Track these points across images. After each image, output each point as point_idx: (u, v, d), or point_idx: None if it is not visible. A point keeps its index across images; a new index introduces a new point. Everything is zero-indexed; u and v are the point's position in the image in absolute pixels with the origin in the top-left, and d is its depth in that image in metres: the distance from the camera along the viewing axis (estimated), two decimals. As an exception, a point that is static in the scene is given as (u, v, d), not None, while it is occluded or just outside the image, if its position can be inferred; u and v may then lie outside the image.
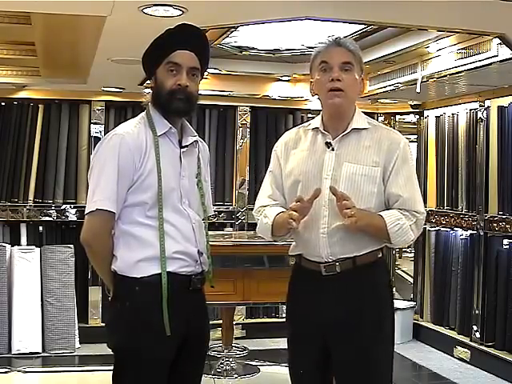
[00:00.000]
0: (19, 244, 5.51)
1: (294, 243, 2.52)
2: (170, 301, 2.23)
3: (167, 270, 2.24)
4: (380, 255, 2.42)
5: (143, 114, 2.38)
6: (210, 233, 5.22)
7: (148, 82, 2.44)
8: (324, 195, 2.35)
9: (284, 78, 5.58)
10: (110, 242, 2.29)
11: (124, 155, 2.23)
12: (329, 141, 2.41)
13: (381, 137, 2.40)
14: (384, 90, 5.10)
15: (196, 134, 2.44)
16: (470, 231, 5.34)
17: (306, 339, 2.46)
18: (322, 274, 2.38)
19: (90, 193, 2.28)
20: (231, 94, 5.75)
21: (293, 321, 2.54)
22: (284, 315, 6.64)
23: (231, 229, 5.97)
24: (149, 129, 2.30)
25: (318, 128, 2.46)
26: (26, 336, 5.20)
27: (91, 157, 2.36)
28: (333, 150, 2.40)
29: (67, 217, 5.57)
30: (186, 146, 2.38)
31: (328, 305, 2.37)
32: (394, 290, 2.53)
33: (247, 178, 6.03)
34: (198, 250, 2.34)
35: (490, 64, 3.95)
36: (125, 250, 2.27)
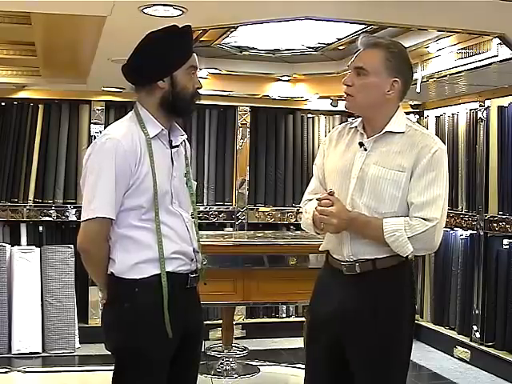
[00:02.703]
0: (19, 244, 5.51)
1: (324, 239, 2.54)
2: (169, 301, 2.23)
3: (166, 270, 2.25)
4: (404, 259, 2.36)
5: (132, 114, 2.36)
6: (210, 233, 5.26)
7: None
8: (348, 194, 2.37)
9: (284, 78, 5.57)
10: (106, 247, 2.28)
11: (120, 160, 2.21)
12: (361, 141, 2.41)
13: (414, 141, 2.34)
14: (384, 89, 5.09)
15: (184, 132, 2.43)
16: (469, 231, 5.34)
17: (321, 333, 2.47)
18: (343, 273, 2.40)
19: (86, 199, 2.25)
20: (231, 94, 5.75)
21: (311, 315, 2.56)
22: (284, 315, 6.66)
23: (231, 229, 5.97)
24: (141, 130, 2.29)
25: (357, 127, 2.47)
26: (26, 336, 5.20)
27: (84, 160, 2.31)
28: (365, 150, 2.39)
29: (67, 217, 5.58)
30: (177, 146, 2.38)
31: (345, 302, 2.37)
32: (415, 294, 2.48)
33: (247, 178, 6.03)
34: (194, 249, 2.36)
35: (490, 64, 3.94)
36: (123, 253, 2.26)
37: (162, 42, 2.29)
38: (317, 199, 2.39)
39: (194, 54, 2.34)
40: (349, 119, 2.56)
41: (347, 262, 2.38)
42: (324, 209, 2.33)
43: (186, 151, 2.46)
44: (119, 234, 2.26)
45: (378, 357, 2.34)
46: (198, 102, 2.37)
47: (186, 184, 2.42)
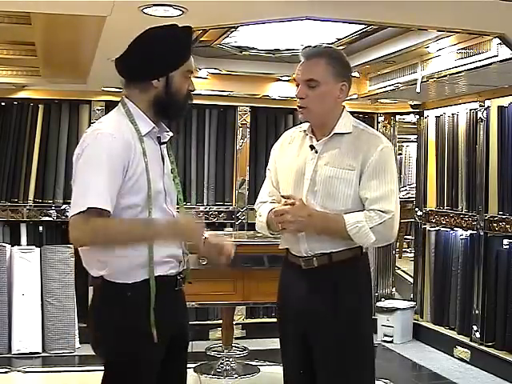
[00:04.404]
0: (19, 244, 5.51)
1: (281, 238, 2.65)
2: (160, 303, 2.20)
3: (157, 273, 2.20)
4: (359, 252, 2.49)
5: (120, 110, 2.28)
6: (210, 233, 5.21)
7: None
8: (303, 196, 2.46)
9: (284, 78, 5.58)
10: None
11: (115, 156, 2.13)
12: (312, 144, 2.51)
13: (361, 141, 2.47)
14: (384, 89, 5.10)
15: (169, 130, 2.39)
16: (470, 231, 5.34)
17: (289, 331, 2.55)
18: (301, 267, 2.50)
19: (78, 194, 2.16)
20: (231, 94, 5.75)
21: (278, 314, 2.66)
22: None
23: (231, 229, 5.97)
24: (133, 127, 2.23)
25: (306, 131, 2.56)
26: (26, 336, 5.20)
27: (74, 158, 2.21)
28: (316, 152, 2.49)
29: (67, 217, 5.55)
30: (165, 143, 2.36)
31: (305, 297, 2.46)
32: (371, 286, 2.64)
33: (247, 178, 6.03)
34: (183, 251, 2.34)
35: (490, 64, 3.94)
36: (114, 256, 2.19)
37: (162, 41, 2.25)
38: (274, 211, 2.49)
39: (192, 58, 2.31)
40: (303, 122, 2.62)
41: (305, 257, 2.48)
42: (282, 208, 2.44)
43: (169, 148, 2.43)
44: None
45: (335, 355, 2.41)
46: (189, 105, 2.34)
47: (173, 181, 2.38)
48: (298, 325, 2.49)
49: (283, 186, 2.59)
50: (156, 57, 2.24)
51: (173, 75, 2.25)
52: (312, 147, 2.50)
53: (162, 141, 2.34)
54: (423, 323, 5.95)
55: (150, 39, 2.26)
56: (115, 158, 2.13)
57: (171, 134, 2.39)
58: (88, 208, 2.09)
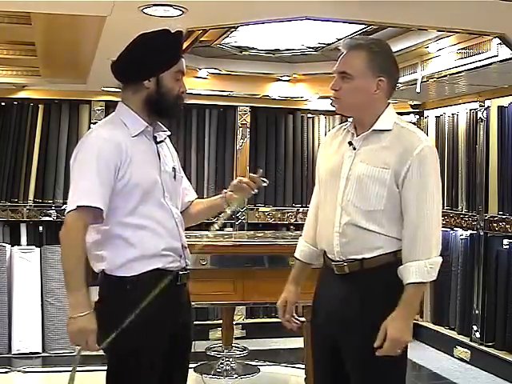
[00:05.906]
0: (19, 244, 5.51)
1: (317, 238, 2.55)
2: (160, 298, 2.21)
3: (156, 266, 2.25)
4: (393, 259, 2.37)
5: (115, 113, 2.37)
6: (210, 233, 5.22)
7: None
8: (338, 194, 2.37)
9: (284, 78, 5.58)
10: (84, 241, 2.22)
11: (106, 157, 2.20)
12: (350, 140, 2.42)
13: (399, 139, 2.33)
14: (384, 89, 5.10)
15: (166, 129, 2.46)
16: (469, 231, 5.34)
17: (319, 334, 2.51)
18: (334, 272, 2.41)
19: (71, 193, 2.21)
20: (231, 94, 5.75)
21: (311, 314, 2.58)
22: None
23: (231, 229, 5.97)
24: (126, 128, 2.30)
25: (348, 127, 2.49)
26: (26, 336, 5.20)
27: (71, 161, 2.29)
28: (354, 149, 2.39)
29: (67, 217, 5.58)
30: (161, 142, 2.41)
31: (335, 299, 2.40)
32: None
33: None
34: (182, 245, 2.37)
35: (490, 64, 3.95)
36: (112, 250, 2.24)
37: (152, 43, 2.32)
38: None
39: (183, 60, 2.36)
40: (348, 119, 2.55)
41: (337, 261, 2.39)
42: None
43: (169, 148, 2.49)
44: (107, 230, 2.25)
45: (367, 358, 2.33)
46: (183, 106, 2.39)
47: (174, 178, 2.43)
48: (327, 326, 2.43)
49: (322, 184, 2.51)
50: (146, 58, 2.31)
51: (163, 76, 2.31)
52: (350, 143, 2.40)
53: (158, 140, 2.39)
54: (423, 323, 5.95)
55: (140, 42, 2.33)
56: (106, 158, 2.21)
57: (168, 132, 2.45)
58: (78, 206, 2.16)
